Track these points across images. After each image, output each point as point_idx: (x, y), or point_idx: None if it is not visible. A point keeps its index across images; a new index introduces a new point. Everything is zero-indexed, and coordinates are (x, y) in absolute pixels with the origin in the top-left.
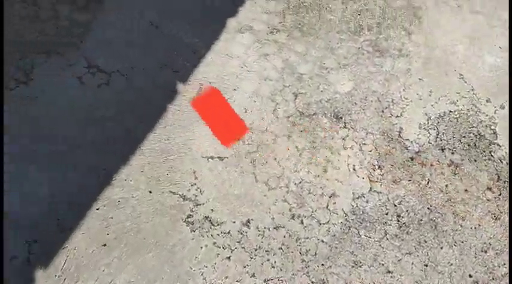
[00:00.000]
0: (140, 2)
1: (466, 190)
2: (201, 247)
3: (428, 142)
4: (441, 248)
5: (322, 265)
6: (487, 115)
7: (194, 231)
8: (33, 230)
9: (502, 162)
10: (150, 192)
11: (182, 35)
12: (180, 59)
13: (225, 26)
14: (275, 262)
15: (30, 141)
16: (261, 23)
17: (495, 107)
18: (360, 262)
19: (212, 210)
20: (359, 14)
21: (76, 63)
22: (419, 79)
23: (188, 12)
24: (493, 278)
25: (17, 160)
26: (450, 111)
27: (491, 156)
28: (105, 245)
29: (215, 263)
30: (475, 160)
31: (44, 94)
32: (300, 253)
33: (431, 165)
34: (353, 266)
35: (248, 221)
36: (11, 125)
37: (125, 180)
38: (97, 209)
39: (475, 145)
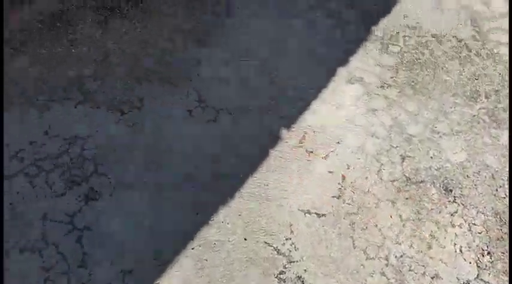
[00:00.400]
0: (254, 40)
1: None
2: None
3: None
4: None
5: None
6: None
7: None
8: (129, 260)
9: None
10: (245, 239)
11: (290, 79)
12: (285, 103)
13: (334, 75)
14: None
15: (136, 168)
16: (372, 75)
17: None
18: None
19: (305, 270)
20: (476, 79)
21: (188, 95)
22: None
23: (298, 55)
24: None
25: (122, 187)
26: None
27: None
28: None
29: None
30: None
31: (154, 122)
32: None
33: None
34: None
35: None
36: (120, 150)
37: (222, 221)
38: (192, 248)
39: None
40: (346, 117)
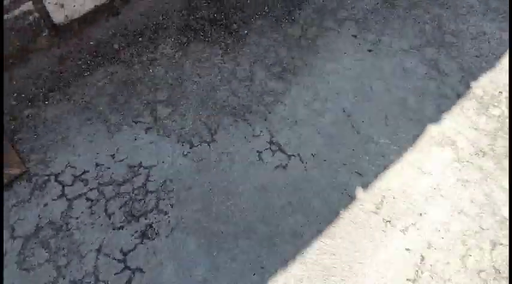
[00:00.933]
0: (338, 83)
1: None
2: None
3: None
4: None
5: None
6: None
7: None
8: None
9: None
10: None
11: (373, 131)
12: (365, 158)
13: (423, 133)
14: None
15: (197, 210)
16: (466, 139)
17: None
18: None
19: None
20: None
21: (260, 135)
22: None
23: (385, 104)
24: None
25: (181, 229)
26: None
27: None
28: None
29: None
30: None
31: (222, 161)
32: None
33: None
34: None
35: None
36: (184, 187)
37: None
38: None
39: None
40: (432, 185)
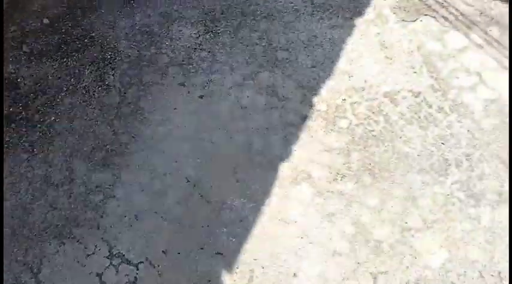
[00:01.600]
0: (174, 149)
1: None
2: None
3: None
4: None
5: None
6: None
7: None
8: None
9: None
10: None
11: (225, 196)
12: (225, 232)
13: (276, 176)
14: None
15: None
16: (320, 166)
17: None
18: None
19: None
20: (443, 143)
21: (95, 251)
22: None
23: (230, 161)
24: None
25: None
26: None
27: None
28: None
29: None
30: None
31: None
32: None
33: None
34: None
35: None
36: None
37: None
38: None
39: None
40: (299, 235)
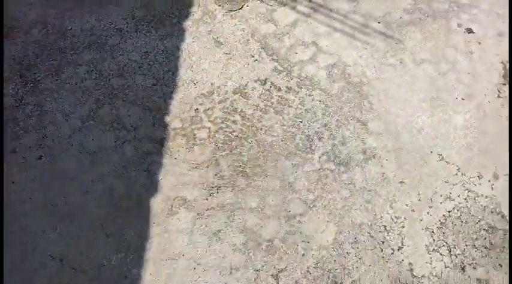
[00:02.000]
0: (30, 227)
1: None
2: None
3: (445, 266)
4: None
5: None
6: (486, 197)
7: None
8: None
9: None
10: None
11: (99, 257)
12: None
13: (149, 215)
14: None
15: None
16: (192, 186)
17: (489, 181)
18: None
19: None
20: (301, 121)
21: None
22: (400, 183)
23: (94, 217)
24: None
25: None
26: (449, 211)
27: None
28: None
29: None
30: (501, 265)
31: None
32: None
33: None
34: None
35: None
36: None
37: None
38: None
39: (492, 243)
40: (190, 266)
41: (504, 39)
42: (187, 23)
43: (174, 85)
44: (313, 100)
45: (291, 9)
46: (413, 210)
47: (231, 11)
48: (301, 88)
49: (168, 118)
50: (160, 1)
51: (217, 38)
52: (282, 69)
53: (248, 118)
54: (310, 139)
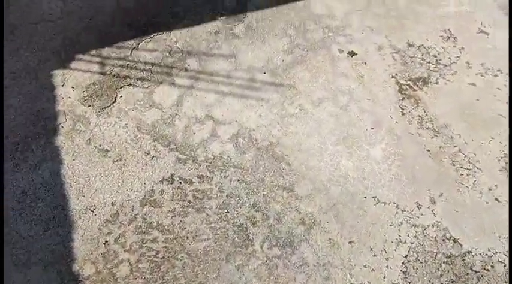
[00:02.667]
0: None
1: None
2: None
3: None
4: None
5: None
6: (433, 226)
7: None
8: None
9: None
10: None
11: None
12: None
13: None
14: None
15: None
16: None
17: (429, 208)
18: None
19: None
20: (227, 211)
21: None
22: (350, 243)
23: None
24: None
25: None
26: (406, 257)
27: (477, 272)
28: None
29: None
30: None
31: None
32: None
33: None
34: None
35: None
36: None
37: None
38: None
39: (456, 274)
40: None
41: (385, 52)
42: (59, 139)
43: (70, 222)
44: (231, 181)
45: (170, 86)
46: (373, 270)
47: (104, 108)
48: (213, 172)
49: (76, 267)
50: (19, 123)
51: (100, 145)
52: (185, 157)
53: (169, 230)
54: (244, 229)
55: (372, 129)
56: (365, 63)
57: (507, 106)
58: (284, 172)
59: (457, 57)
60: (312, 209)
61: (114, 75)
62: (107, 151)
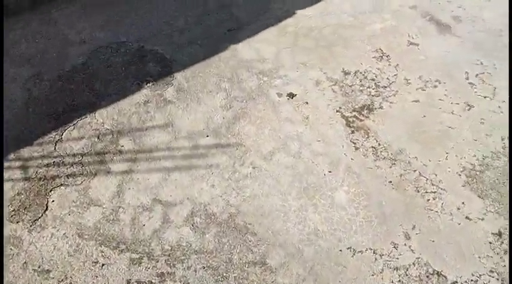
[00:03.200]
0: None
1: None
2: None
3: None
4: None
5: None
6: (413, 264)
7: None
8: None
9: None
10: None
11: None
12: None
13: None
14: None
15: None
16: None
17: (405, 244)
18: None
19: None
20: None
21: None
22: None
23: None
24: None
25: None
26: None
27: None
28: None
29: None
30: None
31: None
32: None
33: None
34: None
35: None
36: None
37: None
38: None
39: None
40: None
41: (324, 86)
42: None
43: None
44: (196, 272)
45: (106, 175)
46: None
47: (36, 219)
48: (174, 266)
49: None
50: None
51: (39, 267)
52: (139, 256)
53: None
54: None
55: (330, 172)
56: (306, 102)
57: (452, 116)
58: (252, 244)
59: (395, 75)
60: (290, 279)
61: (40, 178)
62: (49, 271)
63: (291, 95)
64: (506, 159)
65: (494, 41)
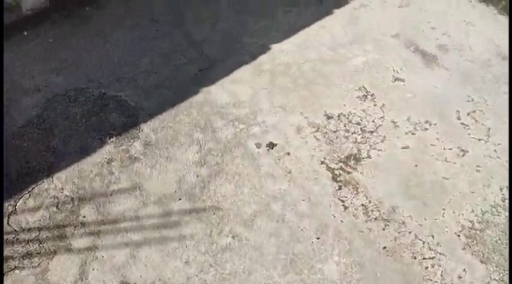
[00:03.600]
0: None
1: None
2: None
3: None
4: None
5: None
6: None
7: None
8: None
9: None
10: None
11: None
12: None
13: None
14: None
15: None
16: None
17: None
18: None
19: None
20: None
21: None
22: None
23: None
24: None
25: None
26: None
27: None
28: None
29: None
30: None
31: None
32: None
33: None
34: None
35: None
36: None
37: None
38: None
39: None
40: None
41: (306, 132)
42: None
43: None
44: None
45: (67, 254)
46: None
47: None
48: None
49: None
50: None
51: None
52: None
53: None
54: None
55: (318, 239)
56: (288, 153)
57: (446, 164)
58: None
59: (381, 118)
60: None
61: None
62: None
63: (271, 145)
64: (507, 214)
65: (484, 73)
